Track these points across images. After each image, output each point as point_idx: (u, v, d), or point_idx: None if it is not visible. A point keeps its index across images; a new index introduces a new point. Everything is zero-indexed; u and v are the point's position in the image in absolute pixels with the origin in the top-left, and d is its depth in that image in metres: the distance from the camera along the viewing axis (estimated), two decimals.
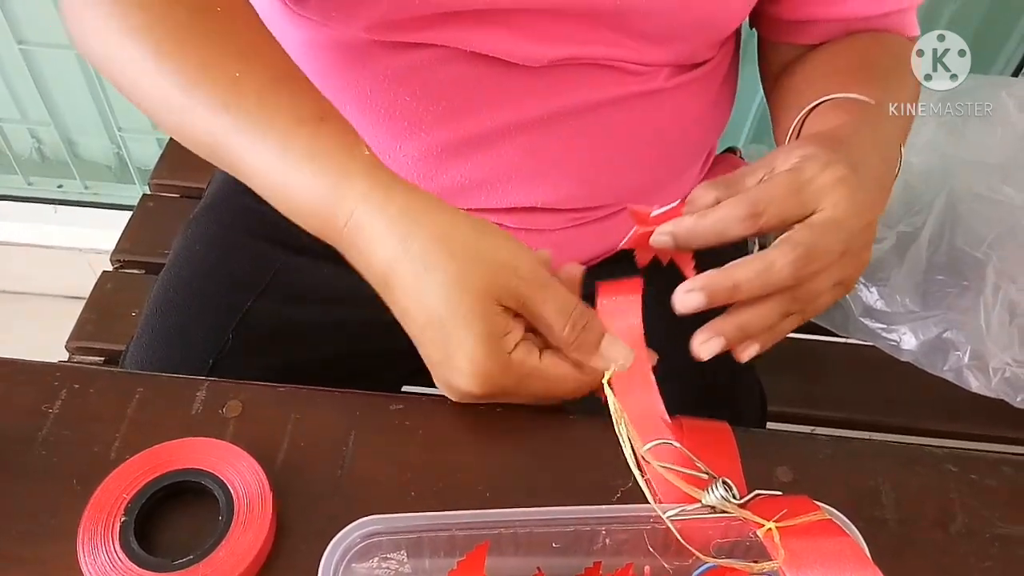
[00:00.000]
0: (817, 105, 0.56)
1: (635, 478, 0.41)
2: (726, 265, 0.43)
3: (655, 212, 0.46)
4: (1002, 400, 0.83)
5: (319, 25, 0.57)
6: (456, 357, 0.42)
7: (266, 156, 0.43)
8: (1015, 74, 1.15)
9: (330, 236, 0.44)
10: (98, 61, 0.49)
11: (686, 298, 0.43)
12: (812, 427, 0.93)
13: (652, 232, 0.45)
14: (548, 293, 0.43)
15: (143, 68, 0.45)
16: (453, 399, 0.46)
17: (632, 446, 0.41)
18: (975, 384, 0.83)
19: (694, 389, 0.54)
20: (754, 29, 0.69)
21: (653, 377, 0.45)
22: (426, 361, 0.45)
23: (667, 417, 0.45)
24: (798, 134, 0.57)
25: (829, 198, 0.43)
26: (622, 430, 0.41)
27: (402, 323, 0.44)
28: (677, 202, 0.46)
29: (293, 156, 0.42)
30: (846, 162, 0.44)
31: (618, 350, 0.45)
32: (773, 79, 0.67)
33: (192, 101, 0.43)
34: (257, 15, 0.49)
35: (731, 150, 0.86)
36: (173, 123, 0.45)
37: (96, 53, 0.48)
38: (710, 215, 0.44)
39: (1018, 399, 0.83)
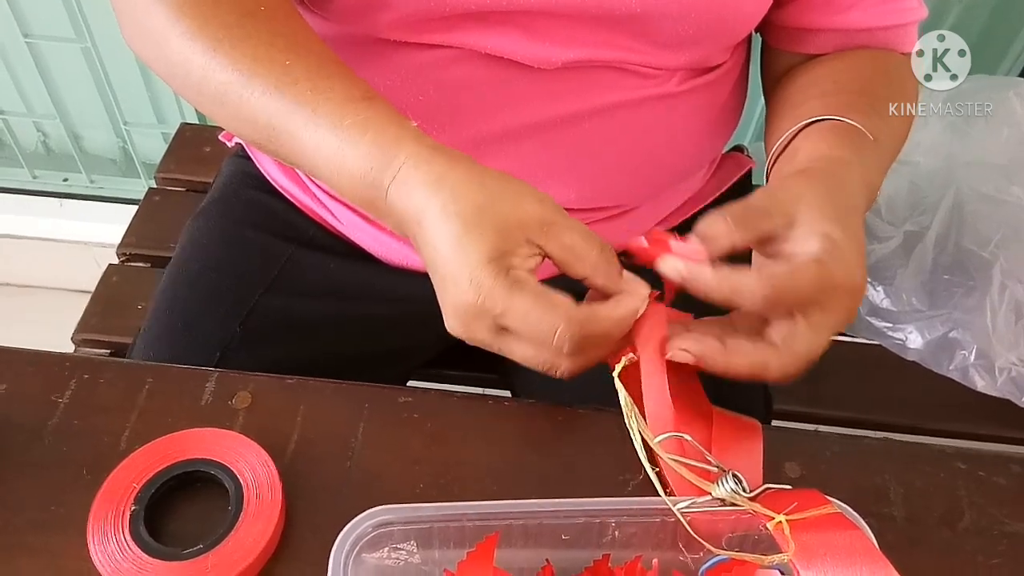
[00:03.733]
0: (810, 123, 0.56)
1: (645, 471, 0.41)
2: (729, 347, 0.45)
3: (674, 244, 0.46)
4: (1008, 400, 0.83)
5: (335, 24, 0.58)
6: (466, 255, 0.42)
7: (321, 132, 0.46)
8: (1022, 74, 1.15)
9: (374, 199, 0.46)
10: (156, 63, 0.52)
11: (678, 353, 0.44)
12: (816, 425, 0.93)
13: (657, 254, 0.45)
14: (573, 222, 0.45)
15: (199, 66, 0.48)
16: (453, 322, 0.44)
17: (643, 438, 0.41)
18: (981, 384, 0.83)
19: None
20: (757, 33, 0.69)
21: (664, 368, 0.45)
22: (440, 279, 0.44)
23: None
24: (786, 146, 0.57)
25: (839, 304, 0.45)
26: (633, 423, 0.41)
27: (427, 247, 0.44)
28: (700, 248, 0.45)
29: (347, 129, 0.45)
30: (862, 261, 0.46)
31: (639, 283, 0.46)
32: (772, 84, 0.67)
33: (248, 91, 0.47)
34: (297, 12, 0.52)
35: (738, 148, 0.86)
36: (230, 115, 0.48)
37: (153, 57, 0.52)
38: (731, 280, 0.44)
39: (1023, 399, 0.83)
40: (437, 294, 0.45)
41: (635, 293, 0.45)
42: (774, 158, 0.58)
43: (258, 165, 0.75)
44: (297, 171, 0.71)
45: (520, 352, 0.44)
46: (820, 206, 0.46)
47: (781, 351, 0.44)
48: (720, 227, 0.45)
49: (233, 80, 0.47)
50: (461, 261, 0.42)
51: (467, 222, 0.42)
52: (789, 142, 0.57)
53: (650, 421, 0.42)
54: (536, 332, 0.42)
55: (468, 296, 0.42)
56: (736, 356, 0.44)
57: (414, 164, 0.44)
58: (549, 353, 0.43)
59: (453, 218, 0.42)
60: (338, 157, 0.45)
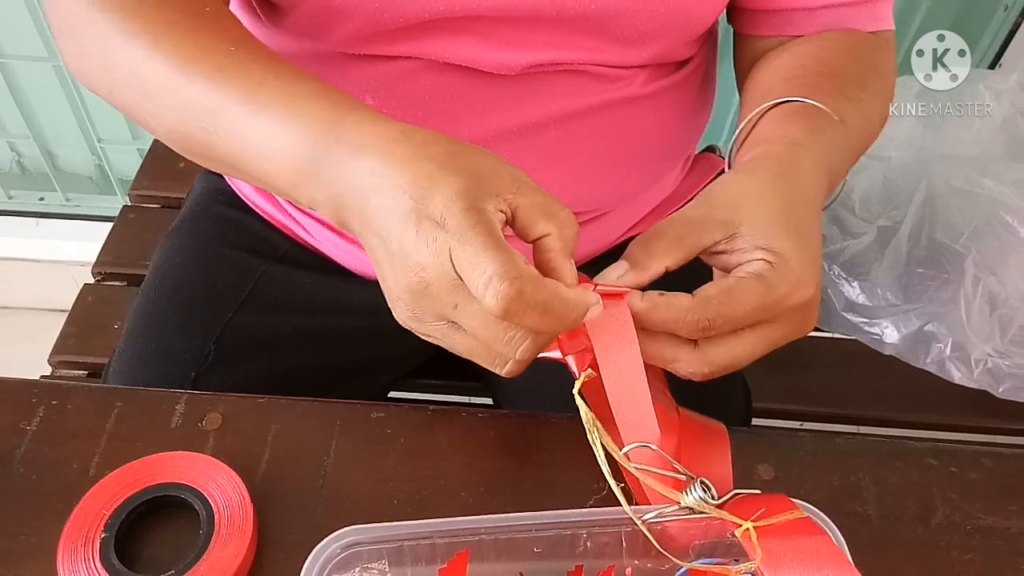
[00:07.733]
0: (777, 104, 0.54)
1: (610, 484, 0.41)
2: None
3: (601, 286, 0.43)
4: (985, 391, 0.84)
5: (292, 39, 0.57)
6: (438, 192, 0.38)
7: (271, 100, 0.43)
8: (991, 67, 1.16)
9: (321, 159, 0.41)
10: (96, 72, 0.50)
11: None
12: (797, 422, 0.93)
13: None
14: (540, 188, 0.41)
15: (140, 59, 0.46)
16: (404, 293, 0.40)
17: (607, 452, 0.41)
18: (958, 375, 0.84)
19: (678, 387, 0.54)
20: (730, 24, 0.68)
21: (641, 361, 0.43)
22: (388, 233, 0.39)
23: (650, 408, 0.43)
24: (753, 127, 0.55)
25: (788, 319, 0.43)
26: (595, 439, 0.41)
27: (386, 200, 0.40)
28: (626, 276, 0.43)
29: (300, 96, 0.43)
30: (815, 269, 0.43)
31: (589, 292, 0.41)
32: (743, 73, 0.66)
33: (188, 76, 0.45)
34: (240, 23, 0.50)
35: (711, 148, 0.86)
36: (168, 106, 0.46)
37: (93, 68, 0.50)
38: (661, 310, 0.42)
39: (1000, 389, 0.84)
40: (386, 270, 0.40)
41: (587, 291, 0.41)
42: (737, 145, 0.56)
43: (229, 181, 0.74)
44: None
45: (464, 344, 0.40)
46: (765, 210, 0.44)
47: (695, 355, 0.43)
48: (652, 249, 0.43)
49: (175, 67, 0.45)
50: (430, 202, 0.38)
51: (441, 164, 0.39)
52: (752, 127, 0.55)
53: (624, 427, 0.42)
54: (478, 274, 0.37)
55: (425, 254, 0.37)
56: (648, 343, 0.42)
57: (374, 117, 0.41)
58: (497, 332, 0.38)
59: (423, 161, 0.39)
60: (285, 120, 0.42)
